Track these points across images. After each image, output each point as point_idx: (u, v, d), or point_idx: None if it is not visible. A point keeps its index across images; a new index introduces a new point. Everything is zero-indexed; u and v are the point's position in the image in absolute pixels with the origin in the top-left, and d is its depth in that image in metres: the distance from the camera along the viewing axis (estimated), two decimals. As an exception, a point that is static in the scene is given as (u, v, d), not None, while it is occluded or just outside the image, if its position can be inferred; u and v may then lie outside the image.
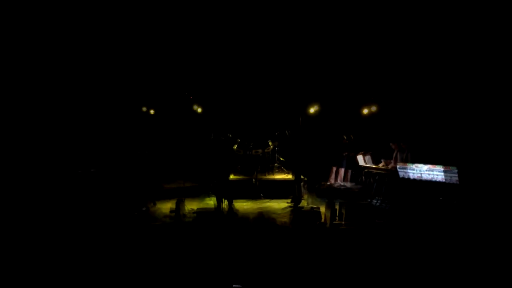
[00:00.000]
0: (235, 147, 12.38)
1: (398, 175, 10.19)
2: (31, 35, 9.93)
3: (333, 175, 12.25)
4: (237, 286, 3.48)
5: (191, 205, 10.20)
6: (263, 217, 8.95)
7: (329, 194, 10.03)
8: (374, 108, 12.27)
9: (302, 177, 11.37)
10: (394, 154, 10.76)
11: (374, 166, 11.15)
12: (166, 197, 11.53)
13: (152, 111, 12.73)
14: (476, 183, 9.70)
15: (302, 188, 11.25)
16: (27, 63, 10.34)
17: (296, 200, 10.80)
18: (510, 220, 7.10)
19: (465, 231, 6.72)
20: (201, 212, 9.08)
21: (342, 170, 12.20)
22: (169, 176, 12.04)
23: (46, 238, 6.93)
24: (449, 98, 11.14)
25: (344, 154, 11.92)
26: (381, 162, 11.18)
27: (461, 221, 8.65)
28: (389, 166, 10.77)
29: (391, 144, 10.92)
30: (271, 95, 13.57)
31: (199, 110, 12.83)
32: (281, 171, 13.03)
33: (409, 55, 11.67)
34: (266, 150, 12.67)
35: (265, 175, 12.43)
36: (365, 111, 12.42)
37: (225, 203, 10.06)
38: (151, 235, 7.33)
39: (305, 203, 10.46)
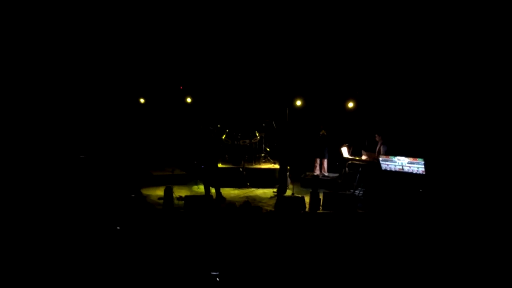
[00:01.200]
0: (223, 137, 12.64)
1: (380, 167, 10.57)
2: (15, 24, 9.95)
3: (317, 166, 12.59)
4: (215, 273, 3.70)
5: (179, 193, 10.46)
6: (249, 204, 9.25)
7: (313, 184, 10.37)
8: (354, 103, 12.72)
9: (287, 167, 11.68)
10: (378, 147, 11.12)
11: (357, 158, 11.51)
12: (154, 185, 11.77)
13: (142, 100, 12.87)
14: (444, 174, 10.18)
15: (287, 178, 11.58)
16: (10, 50, 10.34)
17: (282, 189, 11.16)
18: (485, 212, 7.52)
19: (441, 222, 7.12)
20: (189, 199, 9.36)
21: (325, 161, 12.55)
22: (158, 164, 12.25)
23: (37, 225, 7.09)
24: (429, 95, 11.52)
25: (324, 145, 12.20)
26: (361, 154, 11.55)
27: (435, 211, 9.08)
28: (368, 158, 11.13)
29: (376, 136, 11.26)
30: (259, 88, 13.81)
31: (189, 100, 13.03)
32: (267, 161, 13.38)
33: (391, 53, 12.02)
34: (253, 141, 12.95)
35: (252, 164, 12.75)
36: (349, 104, 12.79)
37: (212, 191, 10.35)
38: (141, 222, 7.55)
39: (290, 192, 10.81)
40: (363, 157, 11.36)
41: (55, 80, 10.97)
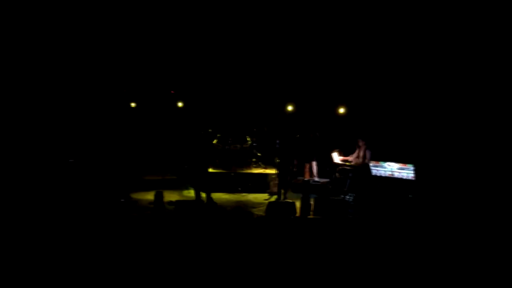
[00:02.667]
0: (214, 141, 12.61)
1: (370, 172, 10.65)
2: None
3: (307, 171, 12.62)
4: None
5: (170, 197, 10.41)
6: (241, 209, 9.24)
7: (304, 190, 10.39)
8: (344, 109, 12.85)
9: (276, 171, 11.69)
10: (362, 152, 11.14)
11: (348, 163, 11.55)
12: (145, 189, 11.70)
13: (133, 104, 12.81)
14: (434, 179, 10.28)
15: (278, 183, 11.58)
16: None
17: (275, 194, 11.19)
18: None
19: (431, 227, 7.17)
20: (180, 204, 9.30)
21: (315, 167, 12.58)
22: (149, 168, 12.17)
23: (26, 230, 7.00)
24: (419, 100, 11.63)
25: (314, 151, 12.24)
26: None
27: (425, 217, 9.15)
28: (354, 162, 11.19)
29: (359, 141, 11.32)
30: (250, 93, 13.84)
31: (180, 104, 13.00)
32: (258, 166, 13.40)
33: (379, 59, 12.14)
34: (244, 146, 12.96)
35: (242, 169, 12.75)
36: (340, 110, 12.91)
37: (203, 196, 10.31)
38: (130, 226, 7.48)
39: (282, 197, 10.82)
40: (349, 160, 11.40)
41: (45, 83, 10.83)
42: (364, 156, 11.01)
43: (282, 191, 10.99)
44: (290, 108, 13.13)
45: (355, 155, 11.29)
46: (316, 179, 12.52)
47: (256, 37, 11.80)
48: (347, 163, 11.44)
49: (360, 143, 11.24)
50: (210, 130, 12.46)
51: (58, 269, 3.58)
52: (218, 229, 5.33)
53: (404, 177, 10.18)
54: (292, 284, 2.97)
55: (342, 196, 11.23)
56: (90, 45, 11.38)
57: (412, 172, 9.96)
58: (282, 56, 12.65)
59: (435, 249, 4.47)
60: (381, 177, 10.64)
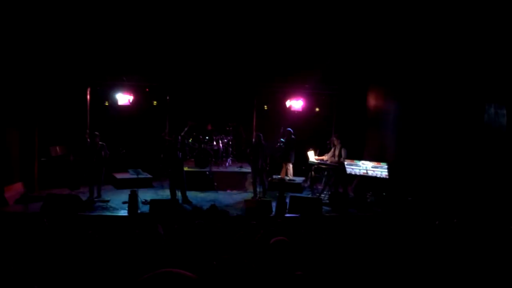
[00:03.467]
0: (190, 140, 12.51)
1: (345, 170, 10.77)
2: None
3: (284, 170, 12.67)
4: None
5: (144, 196, 10.26)
6: (216, 208, 9.18)
7: (280, 188, 10.44)
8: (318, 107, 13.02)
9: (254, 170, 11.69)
10: (338, 150, 11.25)
11: (323, 162, 11.66)
12: (118, 188, 11.51)
13: (106, 103, 12.56)
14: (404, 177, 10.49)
15: (253, 181, 11.59)
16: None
17: (251, 192, 11.21)
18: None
19: (403, 225, 7.30)
20: (155, 203, 9.19)
21: (290, 166, 12.65)
22: (121, 167, 11.94)
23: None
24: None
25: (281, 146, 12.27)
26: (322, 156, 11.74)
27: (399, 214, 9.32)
28: (329, 161, 11.31)
29: (334, 139, 11.43)
30: (226, 91, 13.79)
31: (155, 102, 12.84)
32: (234, 164, 13.39)
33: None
34: (220, 144, 12.92)
35: (218, 167, 12.70)
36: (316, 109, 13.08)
37: (178, 194, 10.23)
38: (105, 227, 7.33)
39: (258, 195, 10.87)
40: (325, 159, 11.51)
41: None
42: (340, 155, 11.13)
43: (258, 190, 11.02)
44: (266, 107, 13.23)
45: (330, 153, 11.40)
46: (292, 177, 12.59)
47: (231, 32, 11.69)
48: (322, 162, 11.55)
49: (335, 142, 11.35)
50: (186, 129, 12.36)
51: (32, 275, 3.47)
52: (194, 228, 5.27)
53: (378, 175, 10.35)
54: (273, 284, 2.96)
55: (317, 194, 11.34)
56: (65, 40, 11.05)
57: (386, 170, 10.14)
58: (255, 53, 12.63)
59: (414, 246, 4.55)
60: (355, 175, 10.78)
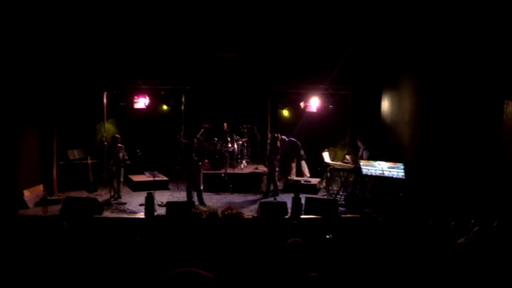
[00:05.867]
0: (205, 143, 12.57)
1: (361, 171, 10.68)
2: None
3: (293, 170, 12.67)
4: None
5: (161, 199, 10.36)
6: (231, 210, 9.22)
7: (295, 189, 10.43)
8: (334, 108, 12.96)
9: (268, 171, 11.72)
10: (360, 152, 11.21)
11: (338, 163, 11.61)
12: (135, 190, 11.64)
13: (122, 104, 12.67)
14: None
15: (270, 182, 11.62)
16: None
17: (265, 194, 11.23)
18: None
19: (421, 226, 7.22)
20: (171, 205, 9.27)
21: (305, 166, 12.63)
22: (138, 170, 12.07)
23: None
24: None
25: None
26: (345, 158, 11.66)
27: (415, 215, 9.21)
28: (351, 163, 11.24)
29: (358, 141, 11.37)
30: (240, 92, 13.83)
31: (165, 107, 12.92)
32: (249, 165, 13.43)
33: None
34: (235, 146, 12.95)
35: (233, 169, 12.75)
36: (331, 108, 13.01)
37: (194, 196, 10.30)
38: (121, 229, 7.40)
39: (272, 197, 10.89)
40: (346, 161, 11.45)
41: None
42: (361, 157, 11.04)
43: (273, 191, 11.04)
44: (280, 107, 13.25)
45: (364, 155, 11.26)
46: (308, 178, 12.57)
47: (243, 34, 11.72)
48: (339, 163, 11.51)
49: (359, 144, 11.27)
50: (201, 130, 12.46)
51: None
52: (209, 230, 5.31)
53: (394, 176, 10.25)
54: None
55: (333, 195, 11.30)
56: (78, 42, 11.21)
57: (402, 171, 10.02)
58: (269, 53, 12.66)
59: (429, 248, 4.50)
60: (371, 176, 10.69)
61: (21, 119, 10.11)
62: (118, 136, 10.80)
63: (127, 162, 10.77)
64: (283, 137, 12.08)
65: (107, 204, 10.17)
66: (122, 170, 10.82)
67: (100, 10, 10.37)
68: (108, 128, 12.09)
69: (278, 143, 11.23)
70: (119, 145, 10.67)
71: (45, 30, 10.48)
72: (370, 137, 11.81)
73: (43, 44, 10.65)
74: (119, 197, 10.71)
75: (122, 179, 10.88)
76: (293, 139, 12.51)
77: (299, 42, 12.04)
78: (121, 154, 10.64)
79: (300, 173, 12.89)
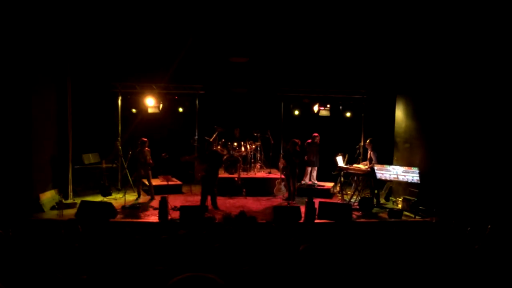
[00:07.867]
0: (218, 147, 12.60)
1: (375, 175, 10.60)
2: None
3: (308, 175, 12.61)
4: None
5: (174, 202, 10.40)
6: (245, 214, 9.18)
7: (309, 194, 10.38)
8: (350, 113, 12.89)
9: (282, 176, 11.70)
10: (368, 154, 11.14)
11: (352, 167, 11.54)
12: (149, 195, 11.70)
13: (134, 110, 12.80)
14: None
15: (282, 187, 11.60)
16: None
17: (288, 197, 11.27)
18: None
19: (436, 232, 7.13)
20: (185, 209, 9.28)
21: (315, 170, 12.58)
22: (152, 174, 12.15)
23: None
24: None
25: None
26: (358, 162, 11.62)
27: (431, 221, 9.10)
28: (367, 167, 11.17)
29: (367, 143, 11.32)
30: (253, 97, 13.86)
31: (181, 109, 12.98)
32: (262, 169, 13.42)
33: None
34: (248, 150, 12.97)
35: (247, 173, 12.76)
36: (347, 114, 12.97)
37: (208, 200, 10.31)
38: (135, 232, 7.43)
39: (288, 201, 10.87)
40: (361, 167, 11.39)
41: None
42: (371, 159, 11.00)
43: (287, 195, 11.02)
44: (296, 112, 13.21)
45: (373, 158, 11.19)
46: (319, 182, 12.51)
47: (258, 38, 11.71)
48: (353, 168, 11.45)
49: (367, 145, 11.25)
50: (215, 135, 12.50)
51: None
52: (223, 234, 5.31)
53: (409, 180, 10.15)
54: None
55: (347, 200, 11.22)
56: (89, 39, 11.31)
57: (417, 175, 9.92)
58: (282, 58, 12.65)
59: (444, 252, 4.44)
60: (386, 180, 10.61)
61: (38, 126, 10.27)
62: (145, 139, 11.13)
63: (151, 164, 11.13)
64: (312, 139, 12.13)
65: (133, 208, 10.29)
66: (150, 173, 11.21)
67: (114, 16, 10.47)
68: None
69: (298, 148, 11.22)
70: (147, 148, 11.07)
71: (61, 35, 10.66)
72: (383, 141, 11.74)
73: (58, 48, 10.84)
74: (153, 198, 11.13)
75: (152, 181, 11.34)
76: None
77: (312, 47, 12.00)
78: (148, 157, 11.04)
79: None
